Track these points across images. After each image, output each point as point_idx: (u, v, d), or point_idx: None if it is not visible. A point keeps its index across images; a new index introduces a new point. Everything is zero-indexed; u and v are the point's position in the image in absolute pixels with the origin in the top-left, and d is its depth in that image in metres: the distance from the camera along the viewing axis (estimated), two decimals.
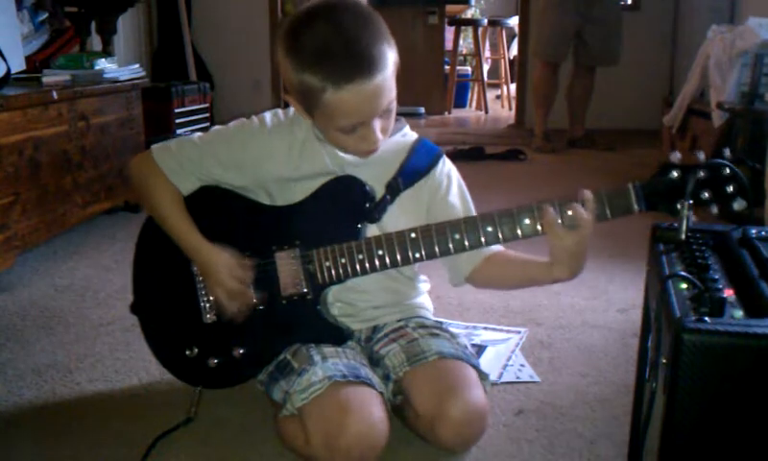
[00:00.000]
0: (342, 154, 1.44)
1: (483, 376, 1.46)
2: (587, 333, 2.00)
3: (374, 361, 1.48)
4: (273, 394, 1.43)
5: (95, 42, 3.90)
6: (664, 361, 0.90)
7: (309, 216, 1.43)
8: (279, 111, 1.50)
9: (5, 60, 2.55)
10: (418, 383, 1.41)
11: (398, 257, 1.36)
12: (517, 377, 1.74)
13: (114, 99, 3.10)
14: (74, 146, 2.77)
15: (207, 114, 4.72)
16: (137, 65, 3.43)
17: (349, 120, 1.33)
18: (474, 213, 1.49)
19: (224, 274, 1.41)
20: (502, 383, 1.71)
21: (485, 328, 2.02)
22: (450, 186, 1.51)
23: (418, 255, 1.35)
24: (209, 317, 1.47)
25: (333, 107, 1.30)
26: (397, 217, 1.43)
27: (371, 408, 1.32)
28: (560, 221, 1.28)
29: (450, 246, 1.34)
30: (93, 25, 3.78)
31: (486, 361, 1.79)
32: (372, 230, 1.42)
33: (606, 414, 1.57)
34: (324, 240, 1.40)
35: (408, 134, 1.53)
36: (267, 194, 1.48)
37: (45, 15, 3.45)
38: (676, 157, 1.20)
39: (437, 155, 1.52)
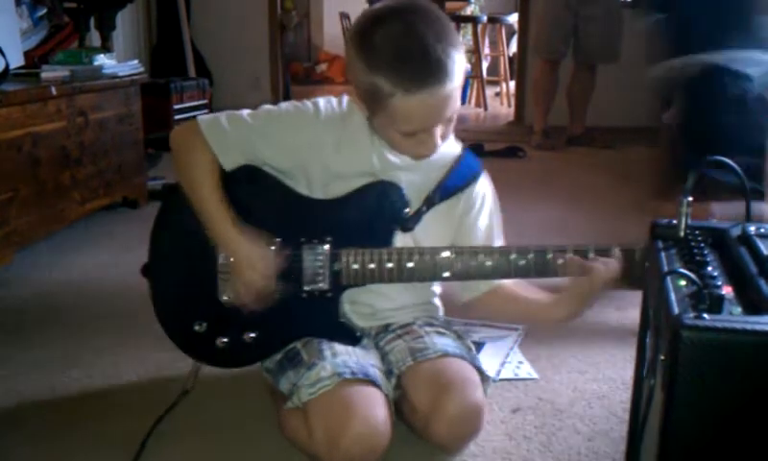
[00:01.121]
0: (390, 156, 1.43)
1: (484, 377, 1.46)
2: (585, 330, 2.00)
3: (380, 357, 1.48)
4: (279, 384, 1.43)
5: (94, 38, 3.90)
6: (663, 358, 0.90)
7: (343, 215, 1.42)
8: (334, 100, 1.47)
9: (3, 55, 2.54)
10: (417, 379, 1.41)
11: (427, 273, 1.38)
12: (515, 374, 1.74)
13: (113, 95, 3.09)
14: (73, 142, 2.77)
15: (206, 111, 4.72)
16: (136, 61, 3.43)
17: (412, 126, 1.32)
18: (500, 236, 1.52)
19: (248, 266, 1.38)
20: (500, 380, 1.71)
21: (483, 326, 2.02)
22: (482, 208, 1.51)
23: (447, 275, 1.38)
24: (225, 296, 1.44)
25: (399, 112, 1.29)
26: (429, 227, 1.44)
27: (375, 410, 1.31)
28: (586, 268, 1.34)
29: (480, 272, 1.37)
30: (92, 21, 3.78)
31: (484, 358, 1.79)
32: (402, 238, 1.42)
33: (604, 411, 1.58)
34: (356, 241, 1.39)
35: (453, 145, 1.51)
36: (308, 182, 1.44)
37: (44, 11, 3.44)
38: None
39: (476, 173, 1.51)
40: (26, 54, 3.11)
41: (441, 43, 1.27)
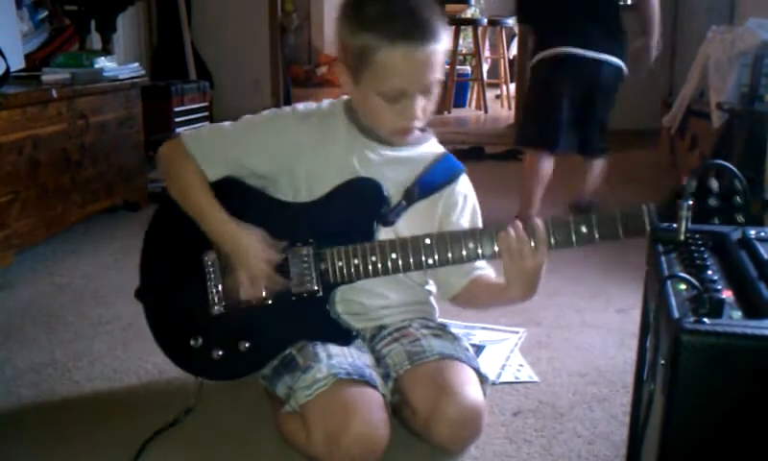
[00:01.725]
0: (369, 154, 1.46)
1: (483, 378, 1.46)
2: (585, 333, 2.00)
3: (376, 360, 1.48)
4: (276, 389, 1.43)
5: (95, 41, 3.90)
6: (663, 362, 0.90)
7: (324, 215, 1.43)
8: (313, 104, 1.52)
9: (4, 58, 2.55)
10: (416, 381, 1.41)
11: (411, 262, 1.37)
12: (516, 378, 1.74)
13: (114, 97, 3.09)
14: (73, 144, 2.77)
15: (207, 113, 4.71)
16: (137, 64, 3.44)
17: (396, 83, 1.35)
18: None
19: (252, 255, 1.41)
20: (501, 383, 1.71)
21: (483, 328, 2.02)
22: (464, 209, 1.52)
23: (431, 261, 1.37)
24: (217, 308, 1.46)
25: (383, 66, 1.33)
26: (411, 224, 1.44)
27: (374, 410, 1.32)
28: (514, 245, 1.31)
29: (464, 254, 1.36)
30: (93, 23, 3.78)
31: (484, 361, 1.79)
32: (386, 234, 1.43)
33: (604, 414, 1.58)
34: (339, 240, 1.40)
35: (436, 147, 1.55)
36: (292, 185, 1.47)
37: (45, 13, 3.45)
38: (692, 186, 1.19)
39: (457, 172, 1.53)
40: (27, 56, 3.12)
41: (428, 8, 1.35)
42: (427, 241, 1.36)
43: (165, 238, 1.52)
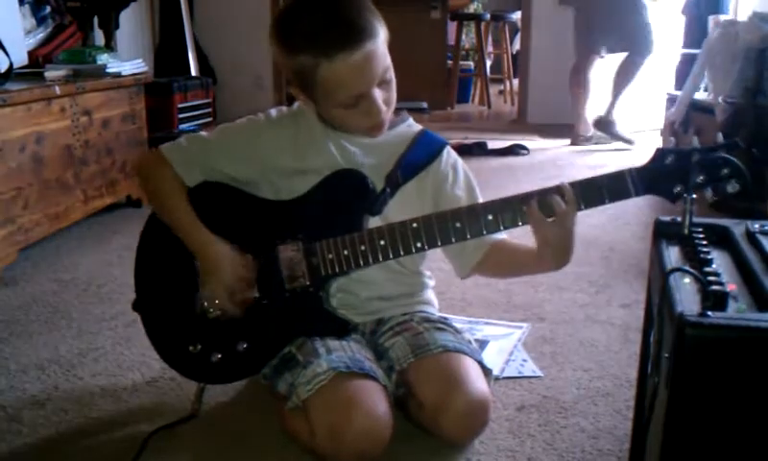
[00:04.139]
0: (347, 145, 1.46)
1: (487, 371, 1.47)
2: (589, 328, 2.00)
3: (379, 354, 1.48)
4: (278, 386, 1.43)
5: (97, 37, 3.90)
6: (667, 356, 0.90)
7: (311, 210, 1.44)
8: (285, 107, 1.54)
9: (7, 54, 2.55)
10: (422, 374, 1.41)
11: (400, 247, 1.37)
12: (520, 372, 1.74)
13: (117, 94, 3.10)
14: (77, 141, 2.78)
15: (210, 109, 4.72)
16: (140, 60, 3.43)
17: (349, 92, 1.36)
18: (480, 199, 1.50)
19: (227, 271, 1.41)
20: (504, 378, 1.71)
21: (487, 323, 2.02)
22: (457, 178, 1.52)
23: (419, 245, 1.36)
24: (212, 312, 1.47)
25: (330, 81, 1.34)
26: (401, 209, 1.44)
27: (376, 402, 1.32)
28: (541, 215, 1.30)
29: (451, 235, 1.35)
30: (95, 20, 3.79)
31: (488, 356, 1.79)
32: (375, 224, 1.42)
33: (608, 409, 1.58)
34: (327, 233, 1.40)
35: (412, 126, 1.54)
36: (273, 188, 1.48)
37: (47, 10, 3.45)
38: (671, 142, 1.23)
39: (439, 147, 1.52)
40: (29, 53, 3.12)
41: (349, 8, 1.35)
42: (414, 225, 1.36)
43: (157, 247, 1.52)
